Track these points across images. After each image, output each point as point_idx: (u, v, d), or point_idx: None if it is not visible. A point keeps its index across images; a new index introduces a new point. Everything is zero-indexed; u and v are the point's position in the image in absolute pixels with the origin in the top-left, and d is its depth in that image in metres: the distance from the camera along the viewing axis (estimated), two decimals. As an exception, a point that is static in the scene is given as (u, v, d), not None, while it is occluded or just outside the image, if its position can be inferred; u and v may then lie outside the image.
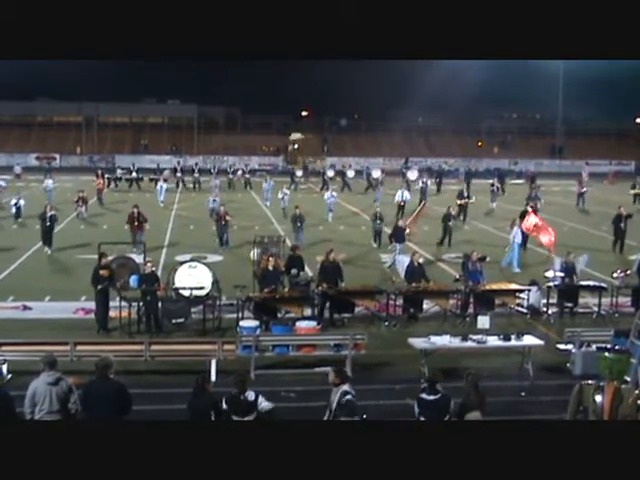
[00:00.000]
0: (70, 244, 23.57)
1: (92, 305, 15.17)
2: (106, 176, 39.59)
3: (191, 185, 42.38)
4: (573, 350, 12.84)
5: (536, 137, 71.50)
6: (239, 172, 45.88)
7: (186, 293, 14.87)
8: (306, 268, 17.00)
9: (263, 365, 12.50)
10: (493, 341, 12.74)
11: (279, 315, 14.98)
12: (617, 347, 9.98)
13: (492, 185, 36.55)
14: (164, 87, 67.48)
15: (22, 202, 28.86)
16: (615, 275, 16.95)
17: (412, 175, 45.66)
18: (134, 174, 44.02)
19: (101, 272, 14.75)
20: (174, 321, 14.98)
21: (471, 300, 15.87)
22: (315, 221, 28.69)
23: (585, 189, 37.33)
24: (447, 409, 8.48)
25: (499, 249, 21.82)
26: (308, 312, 15.05)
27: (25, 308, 16.07)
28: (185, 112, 70.47)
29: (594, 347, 12.17)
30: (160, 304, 14.78)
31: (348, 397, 8.02)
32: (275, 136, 68.63)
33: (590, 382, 8.46)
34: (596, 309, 16.31)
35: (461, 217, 29.43)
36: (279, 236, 19.38)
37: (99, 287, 14.67)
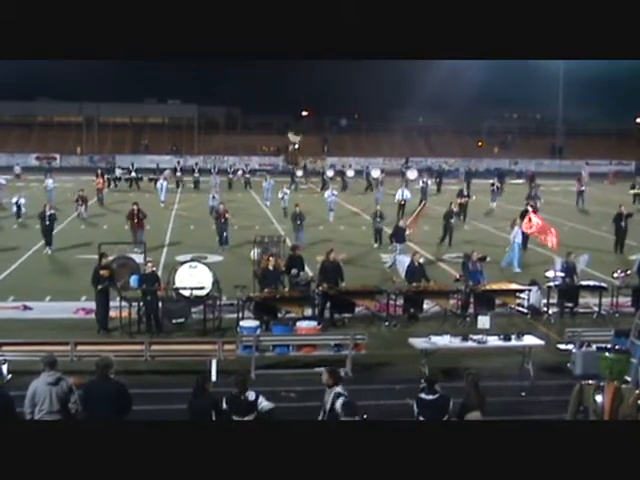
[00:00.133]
0: (70, 244, 23.58)
1: (92, 305, 15.17)
2: (105, 176, 39.61)
3: (191, 185, 42.40)
4: (573, 350, 12.84)
5: (536, 137, 71.54)
6: (239, 172, 45.90)
7: (186, 293, 14.87)
8: (306, 268, 17.00)
9: (263, 365, 12.50)
10: (493, 341, 12.74)
11: (279, 315, 14.98)
12: (617, 347, 9.98)
13: (492, 185, 36.62)
14: (164, 87, 67.54)
15: (23, 200, 29.10)
16: (615, 275, 16.95)
17: (411, 175, 45.71)
18: (133, 174, 44.06)
19: (101, 272, 14.76)
20: (174, 321, 14.99)
21: (471, 300, 15.87)
22: (315, 221, 28.69)
23: (584, 187, 37.35)
24: (446, 409, 8.48)
25: (499, 249, 21.82)
26: (308, 312, 15.05)
27: (25, 308, 16.07)
28: (185, 112, 70.52)
29: (594, 347, 12.18)
30: (160, 304, 14.78)
31: (342, 399, 8.00)
32: (275, 136, 68.65)
33: (590, 382, 8.45)
34: (596, 309, 16.30)
35: (461, 217, 29.47)
36: (279, 236, 19.38)
37: (99, 287, 14.68)
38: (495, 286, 16.26)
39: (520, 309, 16.31)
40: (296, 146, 63.41)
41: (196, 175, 42.75)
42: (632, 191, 37.90)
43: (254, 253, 17.18)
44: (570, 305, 16.44)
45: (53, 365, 8.22)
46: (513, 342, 12.72)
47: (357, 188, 43.21)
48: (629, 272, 17.14)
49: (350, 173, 46.16)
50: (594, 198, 38.73)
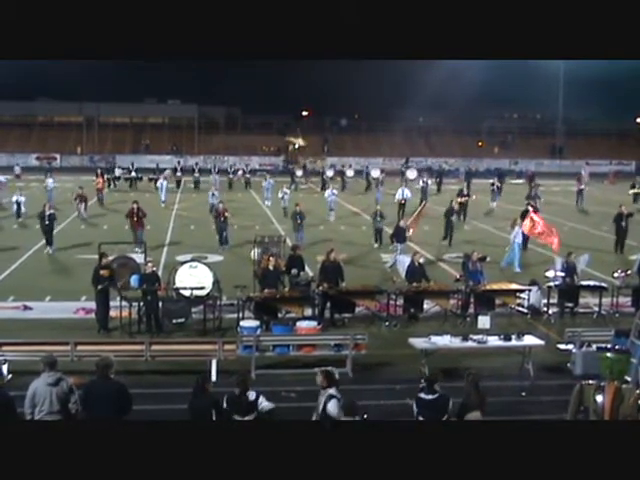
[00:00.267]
0: (70, 244, 23.59)
1: (92, 305, 15.17)
2: (105, 176, 39.62)
3: (192, 185, 42.41)
4: (574, 350, 12.83)
5: (536, 137, 71.56)
6: (239, 172, 45.91)
7: (187, 293, 14.87)
8: (306, 268, 17.00)
9: (264, 365, 12.50)
10: (493, 341, 12.74)
11: (279, 315, 14.97)
12: (617, 347, 9.99)
13: (492, 185, 36.63)
14: (164, 87, 67.58)
15: (22, 199, 29.25)
16: (616, 275, 16.95)
17: (411, 174, 45.75)
18: (133, 174, 44.05)
19: (101, 272, 14.76)
20: (175, 321, 14.98)
21: (471, 300, 15.87)
22: (316, 221, 28.69)
23: (583, 186, 37.35)
24: (445, 409, 8.49)
25: (499, 249, 21.81)
26: (309, 312, 15.05)
27: (25, 308, 16.07)
28: (185, 112, 70.53)
29: (594, 347, 12.18)
30: (161, 304, 14.78)
31: (334, 401, 7.98)
32: (275, 136, 68.67)
33: (591, 382, 8.44)
34: (597, 309, 16.30)
35: (461, 216, 29.48)
36: (279, 236, 19.37)
37: (99, 287, 14.67)
38: (495, 286, 16.26)
39: (520, 309, 16.30)
40: (296, 146, 63.42)
41: (196, 175, 42.76)
42: (632, 191, 37.92)
43: (254, 253, 17.18)
44: (570, 305, 16.44)
45: (53, 365, 8.21)
46: (513, 342, 12.72)
47: (357, 188, 43.20)
48: (629, 272, 17.13)
49: (350, 173, 46.17)
50: (594, 198, 38.72)
